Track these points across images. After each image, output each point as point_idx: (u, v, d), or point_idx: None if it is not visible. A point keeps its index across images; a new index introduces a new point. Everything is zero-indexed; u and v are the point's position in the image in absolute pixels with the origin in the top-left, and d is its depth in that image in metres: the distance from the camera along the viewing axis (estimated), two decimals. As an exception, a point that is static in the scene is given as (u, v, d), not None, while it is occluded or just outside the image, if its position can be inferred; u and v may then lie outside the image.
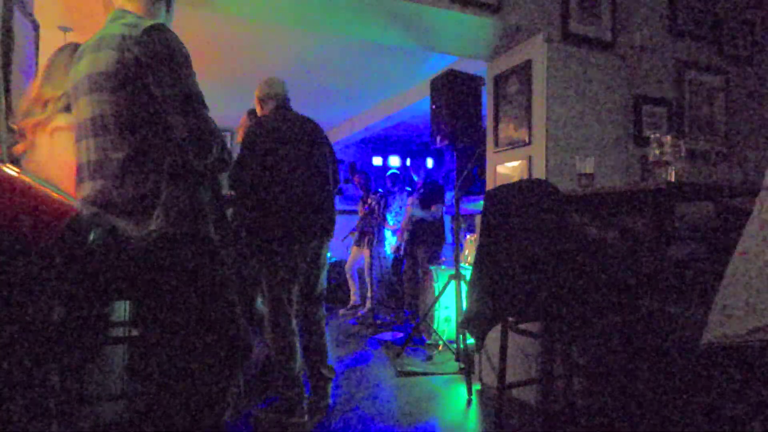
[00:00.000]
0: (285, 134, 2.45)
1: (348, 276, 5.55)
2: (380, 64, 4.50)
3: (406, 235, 4.91)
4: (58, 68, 1.68)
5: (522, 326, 2.17)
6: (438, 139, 3.24)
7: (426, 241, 4.74)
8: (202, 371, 1.48)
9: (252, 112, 2.97)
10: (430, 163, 5.56)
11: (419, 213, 4.75)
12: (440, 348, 3.75)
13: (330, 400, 2.59)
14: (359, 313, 5.23)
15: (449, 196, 4.90)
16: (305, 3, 2.56)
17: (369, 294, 5.17)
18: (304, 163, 2.45)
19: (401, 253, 5.03)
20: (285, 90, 2.61)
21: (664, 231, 2.07)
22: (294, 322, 2.43)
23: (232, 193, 2.46)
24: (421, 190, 4.86)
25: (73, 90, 1.45)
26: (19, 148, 1.65)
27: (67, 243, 1.26)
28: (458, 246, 3.38)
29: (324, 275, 2.64)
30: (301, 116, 2.58)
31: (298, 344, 2.42)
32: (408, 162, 6.84)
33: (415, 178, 5.06)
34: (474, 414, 2.64)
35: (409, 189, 5.61)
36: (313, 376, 2.57)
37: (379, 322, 4.83)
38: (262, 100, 2.61)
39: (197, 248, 1.42)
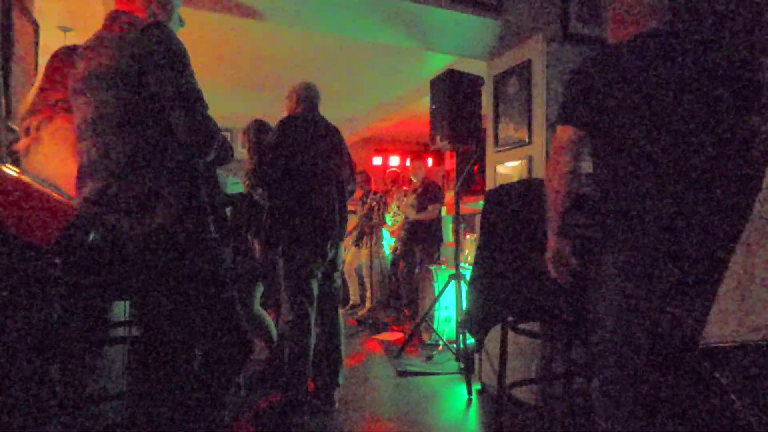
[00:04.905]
0: (312, 136, 2.52)
1: (348, 276, 5.54)
2: (380, 64, 4.50)
3: (402, 234, 4.92)
4: (58, 69, 1.67)
5: (522, 326, 2.17)
6: (438, 139, 3.24)
7: (423, 241, 4.74)
8: (201, 370, 1.48)
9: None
10: (429, 162, 5.51)
11: (413, 215, 4.77)
12: (440, 348, 3.74)
13: (335, 405, 2.58)
14: (359, 313, 5.22)
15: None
16: (306, 3, 2.56)
17: (369, 294, 5.17)
18: (325, 166, 2.52)
19: (397, 253, 5.05)
20: (317, 95, 2.72)
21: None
22: (311, 323, 2.44)
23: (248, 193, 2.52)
24: (419, 190, 4.86)
25: (73, 90, 1.45)
26: (20, 146, 1.65)
27: (67, 243, 1.26)
28: (458, 246, 3.38)
29: (338, 276, 2.67)
30: (325, 121, 2.65)
31: (311, 346, 2.43)
32: (408, 162, 6.81)
33: (414, 180, 5.06)
34: (474, 414, 2.64)
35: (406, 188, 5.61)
36: (323, 379, 2.57)
37: (379, 321, 4.83)
38: (292, 100, 2.67)
39: (197, 247, 1.42)
